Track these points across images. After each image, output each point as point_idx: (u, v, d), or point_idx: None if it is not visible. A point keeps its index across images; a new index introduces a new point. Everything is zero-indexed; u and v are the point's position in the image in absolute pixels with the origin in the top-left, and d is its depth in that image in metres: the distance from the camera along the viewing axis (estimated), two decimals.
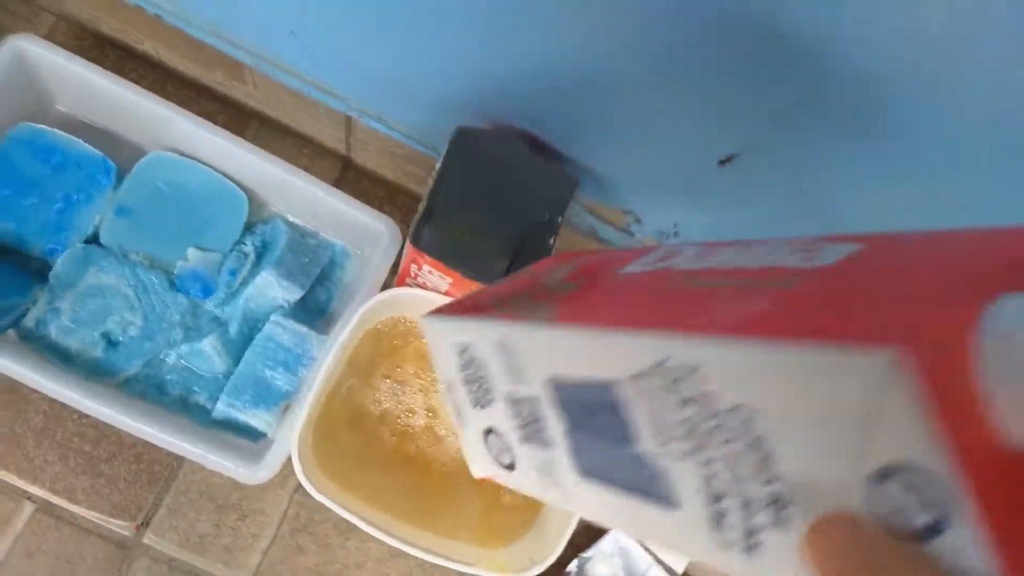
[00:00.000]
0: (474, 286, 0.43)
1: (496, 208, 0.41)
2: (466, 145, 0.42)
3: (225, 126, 0.54)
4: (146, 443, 0.52)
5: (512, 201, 0.42)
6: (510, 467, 0.26)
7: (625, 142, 0.43)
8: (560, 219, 0.43)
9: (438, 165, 0.44)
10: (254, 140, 0.55)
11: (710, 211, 0.45)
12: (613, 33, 0.35)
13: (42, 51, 0.52)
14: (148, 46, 0.58)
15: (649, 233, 0.52)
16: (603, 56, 0.37)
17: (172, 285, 0.55)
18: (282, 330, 0.54)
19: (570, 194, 0.43)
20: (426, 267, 0.45)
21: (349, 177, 0.64)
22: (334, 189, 0.56)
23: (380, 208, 0.56)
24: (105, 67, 0.53)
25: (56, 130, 0.54)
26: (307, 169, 0.56)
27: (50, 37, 0.57)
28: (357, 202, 0.56)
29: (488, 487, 0.56)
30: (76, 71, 0.53)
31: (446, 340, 0.26)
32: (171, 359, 0.54)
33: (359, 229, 0.57)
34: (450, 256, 0.41)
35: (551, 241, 0.43)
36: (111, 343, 0.53)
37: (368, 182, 0.64)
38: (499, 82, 0.42)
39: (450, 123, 0.46)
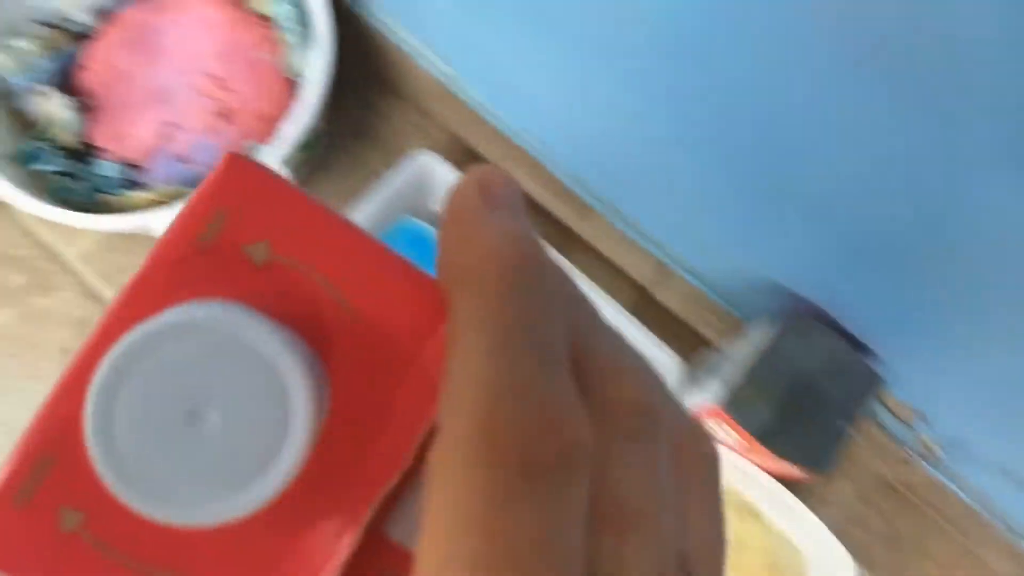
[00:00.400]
0: (771, 460, 0.48)
1: (810, 395, 0.47)
2: (794, 330, 0.48)
3: (554, 245, 0.64)
4: None
5: (823, 390, 0.47)
6: None
7: (940, 348, 0.47)
8: (861, 413, 0.47)
9: (754, 333, 0.50)
10: (571, 260, 0.65)
11: (1008, 451, 0.47)
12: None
13: (433, 163, 0.65)
14: (511, 169, 0.70)
15: (934, 437, 0.54)
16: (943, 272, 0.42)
17: None
18: None
19: (874, 392, 0.48)
20: (712, 419, 0.51)
21: (642, 305, 0.72)
22: (632, 317, 0.64)
23: (666, 340, 0.63)
24: None
25: (428, 224, 0.67)
26: (607, 291, 0.64)
27: (433, 145, 0.71)
28: (650, 333, 0.63)
29: None
30: (451, 179, 0.65)
31: None
32: None
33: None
34: (761, 431, 0.47)
35: (849, 432, 0.47)
36: None
37: (658, 313, 0.72)
38: (824, 272, 0.48)
39: (763, 295, 0.52)
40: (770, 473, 0.52)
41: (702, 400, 0.50)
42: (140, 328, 0.14)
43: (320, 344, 0.15)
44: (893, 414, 0.55)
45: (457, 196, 0.15)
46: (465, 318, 0.14)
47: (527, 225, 0.15)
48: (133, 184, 0.65)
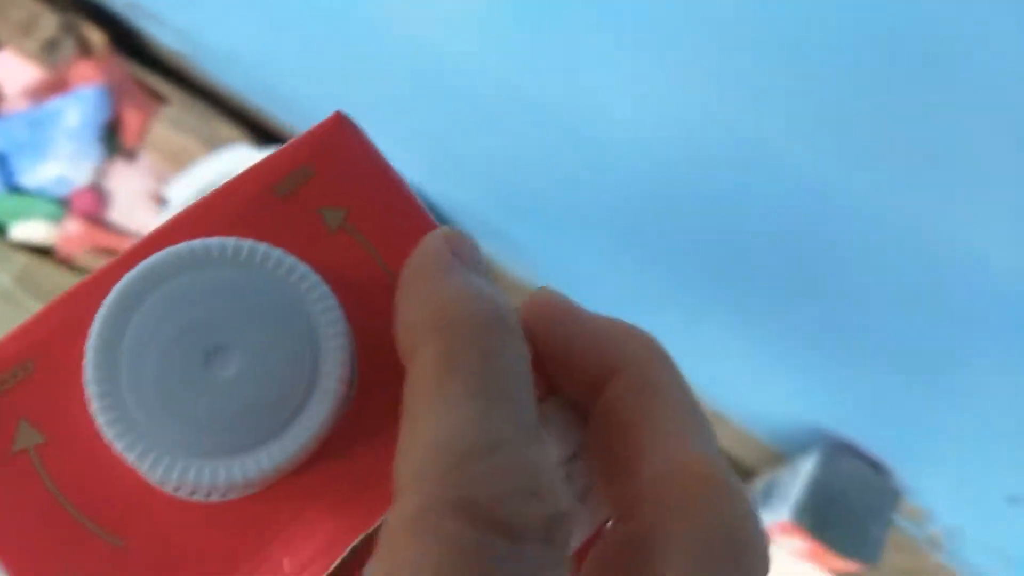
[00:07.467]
0: (832, 560, 0.65)
1: (853, 508, 0.64)
2: (833, 459, 0.67)
3: None
4: None
5: (862, 503, 0.65)
6: None
7: (944, 464, 0.65)
8: (889, 518, 0.65)
9: (800, 463, 0.68)
10: None
11: (996, 536, 0.65)
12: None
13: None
14: None
15: (940, 528, 0.72)
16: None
17: None
18: None
19: (896, 504, 0.66)
20: (783, 536, 0.68)
21: None
22: None
23: None
24: None
25: None
26: None
27: None
28: None
29: None
30: None
31: None
32: None
33: None
34: (830, 538, 0.64)
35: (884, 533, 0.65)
36: None
37: None
38: (855, 411, 0.66)
39: (802, 433, 0.70)
40: (828, 570, 0.69)
41: (775, 519, 0.67)
42: (175, 248, 0.12)
43: (360, 327, 0.13)
44: (906, 516, 0.73)
45: (426, 251, 0.14)
46: (436, 364, 0.12)
47: (495, 285, 0.14)
48: None
